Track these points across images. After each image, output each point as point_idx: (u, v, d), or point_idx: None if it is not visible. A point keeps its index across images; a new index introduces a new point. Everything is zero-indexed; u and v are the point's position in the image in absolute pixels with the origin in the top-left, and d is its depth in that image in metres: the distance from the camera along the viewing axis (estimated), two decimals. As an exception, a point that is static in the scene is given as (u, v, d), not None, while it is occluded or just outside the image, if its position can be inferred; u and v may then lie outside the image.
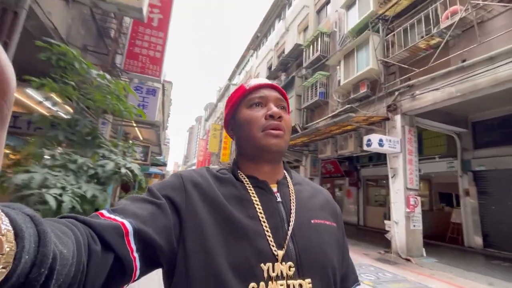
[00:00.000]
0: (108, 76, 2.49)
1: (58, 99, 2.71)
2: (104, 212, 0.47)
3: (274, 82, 0.74)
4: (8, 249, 0.23)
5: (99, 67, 4.58)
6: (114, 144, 2.60)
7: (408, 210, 5.86)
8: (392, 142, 6.19)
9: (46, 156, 2.08)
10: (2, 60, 0.21)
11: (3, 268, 0.23)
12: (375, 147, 6.05)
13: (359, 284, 0.69)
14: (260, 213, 0.57)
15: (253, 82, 0.69)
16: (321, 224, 0.62)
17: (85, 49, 4.53)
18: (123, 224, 0.45)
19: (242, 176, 0.63)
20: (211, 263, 0.49)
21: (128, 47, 5.45)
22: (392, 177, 6.32)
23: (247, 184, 0.61)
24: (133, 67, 5.61)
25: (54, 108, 2.73)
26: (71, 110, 3.25)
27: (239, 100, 0.68)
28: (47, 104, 2.72)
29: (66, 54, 2.27)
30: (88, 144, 2.27)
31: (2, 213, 0.25)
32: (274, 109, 0.63)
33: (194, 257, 0.50)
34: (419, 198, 6.11)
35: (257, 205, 0.58)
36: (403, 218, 5.90)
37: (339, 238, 0.65)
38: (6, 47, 2.40)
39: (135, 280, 0.46)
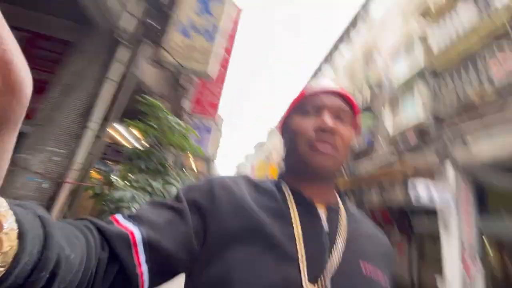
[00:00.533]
0: (180, 122, 3.26)
1: (139, 136, 3.59)
2: (119, 217, 0.43)
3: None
4: (8, 248, 0.23)
5: (170, 109, 5.81)
6: (177, 173, 3.28)
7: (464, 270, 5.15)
8: (442, 196, 5.79)
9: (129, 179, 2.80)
10: (20, 60, 0.20)
11: (0, 267, 0.23)
12: (422, 200, 5.72)
13: None
14: (297, 233, 0.47)
15: (315, 85, 0.60)
16: (371, 270, 0.48)
17: (163, 96, 5.81)
18: (132, 233, 0.40)
19: (286, 189, 0.54)
20: (228, 278, 0.42)
21: (195, 95, 6.67)
22: (444, 229, 5.75)
23: (289, 197, 0.52)
24: (196, 109, 6.78)
25: (134, 142, 3.61)
26: (146, 144, 4.17)
27: (295, 105, 0.59)
28: (130, 138, 3.62)
29: (154, 105, 3.11)
30: (159, 172, 2.95)
31: (9, 210, 0.24)
32: (327, 120, 0.53)
33: (213, 266, 0.44)
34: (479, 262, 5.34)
35: (296, 225, 0.48)
36: (458, 277, 5.17)
37: None
38: (115, 99, 3.39)
39: None
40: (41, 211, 0.29)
